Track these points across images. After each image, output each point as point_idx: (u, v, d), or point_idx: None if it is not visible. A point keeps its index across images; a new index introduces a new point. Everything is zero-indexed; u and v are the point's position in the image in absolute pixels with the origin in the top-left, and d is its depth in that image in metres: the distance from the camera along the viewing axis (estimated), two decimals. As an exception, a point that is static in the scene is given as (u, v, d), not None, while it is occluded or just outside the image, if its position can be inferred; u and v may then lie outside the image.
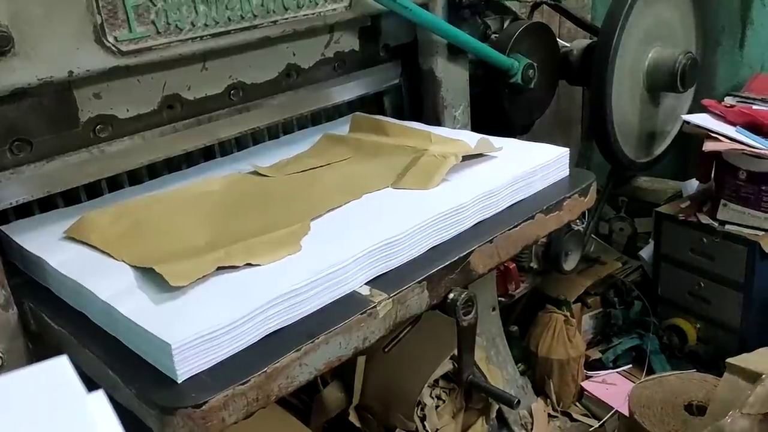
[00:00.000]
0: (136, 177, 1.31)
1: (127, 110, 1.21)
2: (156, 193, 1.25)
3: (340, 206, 1.16)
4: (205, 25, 1.19)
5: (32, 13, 0.98)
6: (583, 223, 2.19)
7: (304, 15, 1.33)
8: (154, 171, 1.33)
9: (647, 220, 2.44)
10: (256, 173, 1.34)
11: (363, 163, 1.37)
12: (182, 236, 1.09)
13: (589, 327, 2.28)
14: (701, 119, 1.96)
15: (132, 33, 1.09)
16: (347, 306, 0.95)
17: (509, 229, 1.17)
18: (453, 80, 1.69)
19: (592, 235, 2.41)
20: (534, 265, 2.12)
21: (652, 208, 2.29)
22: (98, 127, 1.18)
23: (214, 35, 1.21)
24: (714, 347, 2.11)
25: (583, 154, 2.32)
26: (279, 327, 0.90)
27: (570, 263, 2.07)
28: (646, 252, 2.36)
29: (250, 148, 1.48)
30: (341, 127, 1.58)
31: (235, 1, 1.21)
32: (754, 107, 2.00)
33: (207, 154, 1.41)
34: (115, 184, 1.28)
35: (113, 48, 1.07)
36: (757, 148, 1.83)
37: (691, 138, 2.08)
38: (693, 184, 2.30)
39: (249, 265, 0.97)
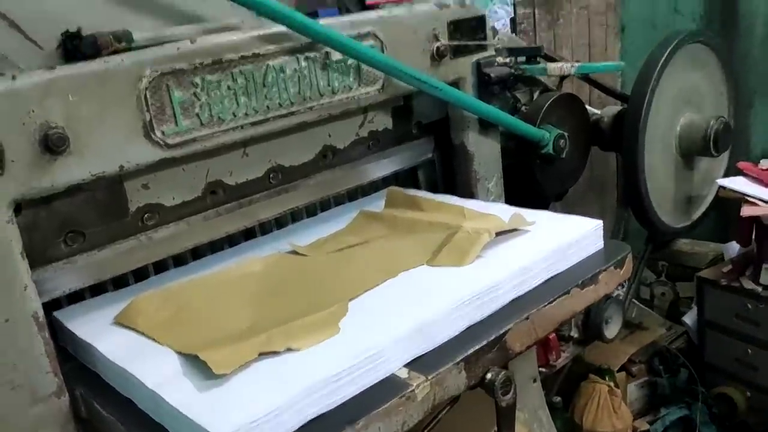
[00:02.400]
0: (180, 259, 1.36)
1: (173, 198, 1.27)
2: (200, 276, 1.29)
3: (378, 285, 1.18)
4: (246, 114, 1.25)
5: (86, 113, 1.05)
6: (623, 289, 2.17)
7: (338, 100, 1.39)
8: (197, 252, 1.38)
9: (689, 284, 2.40)
10: (295, 253, 1.38)
11: (399, 240, 1.39)
12: (225, 320, 1.12)
13: (634, 397, 2.22)
14: (737, 183, 1.96)
15: (178, 127, 1.16)
16: (386, 389, 0.96)
17: (545, 306, 1.18)
18: (485, 153, 1.73)
19: (634, 300, 2.38)
20: (574, 334, 2.10)
21: (693, 272, 2.26)
22: (146, 215, 1.24)
23: (254, 124, 1.27)
24: (765, 417, 2.03)
25: (619, 219, 2.31)
26: (319, 413, 0.91)
27: (611, 331, 2.03)
28: (690, 317, 2.31)
29: (288, 227, 1.53)
30: (377, 202, 1.61)
31: (273, 91, 1.28)
32: (791, 170, 1.98)
33: (247, 234, 1.46)
34: (160, 266, 1.33)
35: (161, 142, 1.14)
36: (797, 212, 1.81)
37: (730, 200, 2.07)
38: (734, 247, 2.27)
39: (289, 349, 1.00)
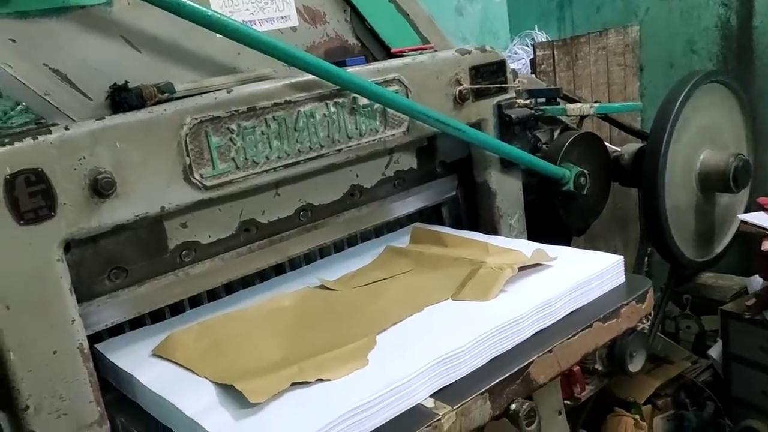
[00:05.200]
0: (214, 293, 1.42)
1: (209, 236, 1.34)
2: (233, 311, 1.35)
3: (404, 319, 1.23)
4: (278, 157, 1.32)
5: (132, 159, 1.13)
6: (647, 323, 2.18)
7: (366, 142, 1.46)
8: (230, 287, 1.44)
9: (714, 318, 2.40)
10: (323, 287, 1.44)
11: (424, 275, 1.44)
12: (258, 352, 1.18)
13: (661, 430, 2.22)
14: (758, 218, 1.98)
15: (215, 170, 1.23)
16: (413, 419, 1.01)
17: (568, 339, 1.21)
18: (507, 191, 1.78)
19: (659, 334, 2.39)
20: (599, 366, 2.10)
21: (718, 305, 2.27)
22: (184, 252, 1.31)
23: (286, 166, 1.34)
24: (795, 451, 2.02)
25: (642, 254, 2.33)
26: (350, 441, 0.96)
27: (636, 365, 2.03)
28: (715, 351, 2.31)
29: (317, 262, 1.59)
30: (402, 238, 1.67)
31: (304, 135, 1.35)
32: (811, 204, 2.00)
33: (278, 269, 1.52)
34: (195, 301, 1.39)
35: (199, 184, 1.21)
36: (818, 246, 1.83)
37: (752, 234, 2.08)
38: (758, 280, 2.27)
39: (320, 380, 1.05)
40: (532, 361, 1.14)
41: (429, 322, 1.22)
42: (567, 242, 2.07)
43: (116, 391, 1.23)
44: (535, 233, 1.83)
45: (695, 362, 2.38)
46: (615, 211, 2.70)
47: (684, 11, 2.63)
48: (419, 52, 1.61)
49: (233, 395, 1.03)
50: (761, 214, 2.03)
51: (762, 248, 1.87)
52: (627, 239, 2.70)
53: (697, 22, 2.61)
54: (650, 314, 2.20)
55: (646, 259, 2.33)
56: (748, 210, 2.21)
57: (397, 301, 1.31)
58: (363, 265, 1.54)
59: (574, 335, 1.22)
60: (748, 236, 2.14)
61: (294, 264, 1.55)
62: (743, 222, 2.04)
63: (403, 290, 1.37)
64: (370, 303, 1.34)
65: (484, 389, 1.07)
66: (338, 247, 1.63)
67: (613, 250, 1.63)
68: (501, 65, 1.70)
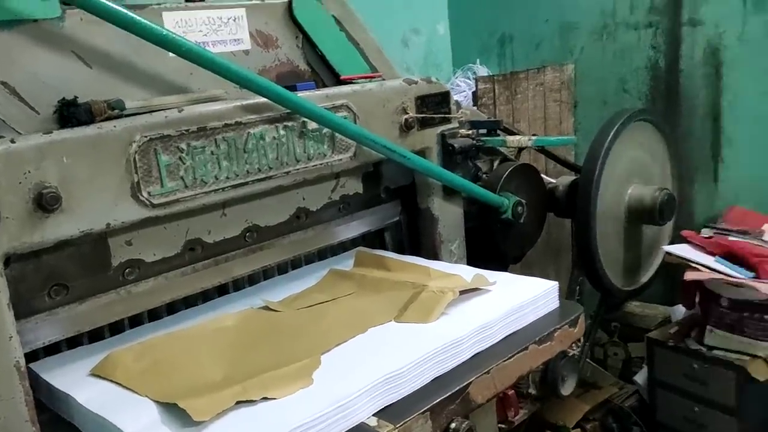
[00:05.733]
0: (155, 313, 1.41)
1: (154, 254, 1.33)
2: (175, 330, 1.34)
3: (348, 340, 1.25)
4: (227, 177, 1.33)
5: (79, 174, 1.12)
6: (578, 348, 2.26)
7: (313, 165, 1.49)
8: (172, 307, 1.43)
9: (640, 345, 2.51)
10: (267, 308, 1.44)
11: (367, 298, 1.47)
12: (201, 372, 1.17)
13: (590, 454, 2.29)
14: (682, 250, 2.10)
15: (163, 188, 1.23)
16: (356, 437, 1.03)
17: (505, 361, 1.26)
18: (448, 217, 1.83)
19: (588, 360, 2.48)
20: (532, 390, 2.17)
21: (644, 333, 2.37)
22: (127, 270, 1.30)
23: (234, 186, 1.35)
24: (713, 473, 2.12)
25: (574, 281, 2.43)
26: (293, 459, 0.97)
27: (567, 388, 2.10)
28: (641, 377, 2.42)
29: (261, 283, 1.59)
30: (346, 262, 1.70)
31: (253, 157, 1.37)
32: (730, 238, 2.14)
33: (221, 289, 1.52)
34: (136, 320, 1.38)
35: (146, 201, 1.21)
36: (735, 278, 1.95)
37: (676, 265, 2.20)
38: (681, 309, 2.40)
39: (265, 398, 1.05)
40: (471, 382, 1.18)
41: (372, 343, 1.25)
42: (504, 269, 2.14)
43: (51, 412, 1.20)
44: (475, 259, 1.89)
45: (622, 388, 2.48)
46: (549, 240, 2.80)
47: (617, 52, 2.79)
48: (368, 80, 1.66)
49: (176, 414, 1.02)
50: (685, 246, 2.15)
51: (684, 278, 1.98)
52: (560, 268, 2.80)
53: (628, 63, 2.77)
54: (580, 340, 2.29)
55: (578, 287, 2.42)
56: (672, 242, 2.34)
57: (341, 322, 1.33)
58: (307, 287, 1.56)
59: (510, 357, 1.27)
60: (672, 267, 2.26)
61: (238, 285, 1.55)
62: (668, 253, 2.15)
63: (347, 312, 1.39)
64: (313, 324, 1.35)
65: (425, 408, 1.10)
66: (282, 269, 1.64)
67: (547, 278, 1.70)
68: (445, 96, 1.77)
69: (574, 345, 2.28)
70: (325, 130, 1.47)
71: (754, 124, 2.47)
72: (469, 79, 3.06)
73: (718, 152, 2.54)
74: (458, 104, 1.88)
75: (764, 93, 2.40)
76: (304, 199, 1.59)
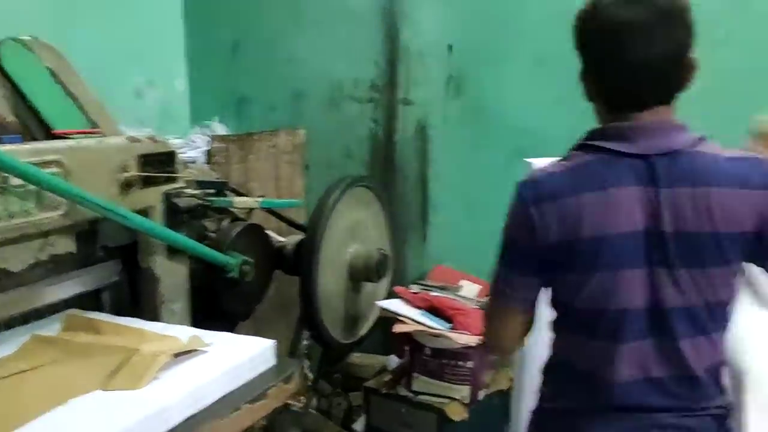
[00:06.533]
0: None
1: None
2: None
3: (43, 414, 1.17)
4: None
5: None
6: (302, 402, 2.35)
7: (15, 224, 1.39)
8: None
9: (360, 394, 2.69)
10: (-47, 381, 1.29)
11: (72, 365, 1.39)
12: None
13: (312, 503, 2.37)
14: (393, 304, 2.32)
15: None
16: None
17: (219, 420, 1.29)
18: (172, 277, 1.82)
19: (312, 410, 2.59)
20: (257, 447, 2.20)
21: (363, 382, 2.55)
22: None
23: None
24: None
25: (298, 337, 2.53)
26: None
27: (290, 441, 2.19)
28: (360, 425, 2.58)
29: (-52, 353, 1.42)
30: (53, 325, 1.58)
31: (-60, 213, 1.24)
32: (432, 293, 2.42)
33: None
34: None
35: None
36: (435, 329, 2.21)
37: (389, 319, 2.42)
38: (395, 359, 2.63)
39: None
40: (181, 447, 1.18)
41: (72, 415, 1.19)
42: (234, 326, 2.16)
43: None
44: (202, 318, 1.89)
45: (344, 436, 2.62)
46: (281, 297, 2.88)
47: (342, 122, 3.03)
48: (85, 135, 1.61)
49: None
50: (397, 301, 2.39)
51: (393, 330, 2.20)
52: (290, 323, 2.89)
53: (353, 132, 3.03)
54: (306, 393, 2.40)
55: (304, 341, 2.53)
56: (388, 297, 2.57)
57: (39, 394, 1.24)
58: (3, 355, 1.43)
59: (224, 417, 1.30)
60: (387, 320, 2.48)
61: None
62: (382, 308, 2.37)
63: (47, 382, 1.31)
64: (7, 397, 1.24)
65: (125, 481, 1.07)
66: (-23, 335, 1.49)
67: (277, 333, 1.76)
68: (170, 156, 1.78)
69: (299, 399, 2.38)
70: (31, 186, 1.39)
71: (454, 192, 2.85)
72: (206, 135, 3.07)
73: (426, 216, 2.88)
74: (185, 164, 1.90)
75: (461, 165, 2.79)
76: (4, 259, 1.47)
